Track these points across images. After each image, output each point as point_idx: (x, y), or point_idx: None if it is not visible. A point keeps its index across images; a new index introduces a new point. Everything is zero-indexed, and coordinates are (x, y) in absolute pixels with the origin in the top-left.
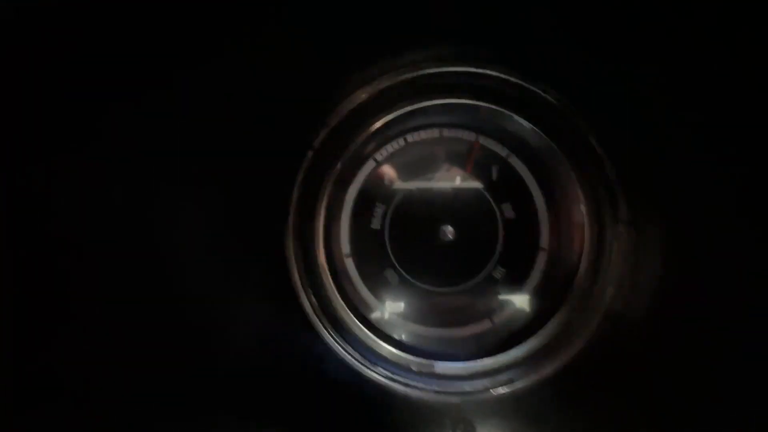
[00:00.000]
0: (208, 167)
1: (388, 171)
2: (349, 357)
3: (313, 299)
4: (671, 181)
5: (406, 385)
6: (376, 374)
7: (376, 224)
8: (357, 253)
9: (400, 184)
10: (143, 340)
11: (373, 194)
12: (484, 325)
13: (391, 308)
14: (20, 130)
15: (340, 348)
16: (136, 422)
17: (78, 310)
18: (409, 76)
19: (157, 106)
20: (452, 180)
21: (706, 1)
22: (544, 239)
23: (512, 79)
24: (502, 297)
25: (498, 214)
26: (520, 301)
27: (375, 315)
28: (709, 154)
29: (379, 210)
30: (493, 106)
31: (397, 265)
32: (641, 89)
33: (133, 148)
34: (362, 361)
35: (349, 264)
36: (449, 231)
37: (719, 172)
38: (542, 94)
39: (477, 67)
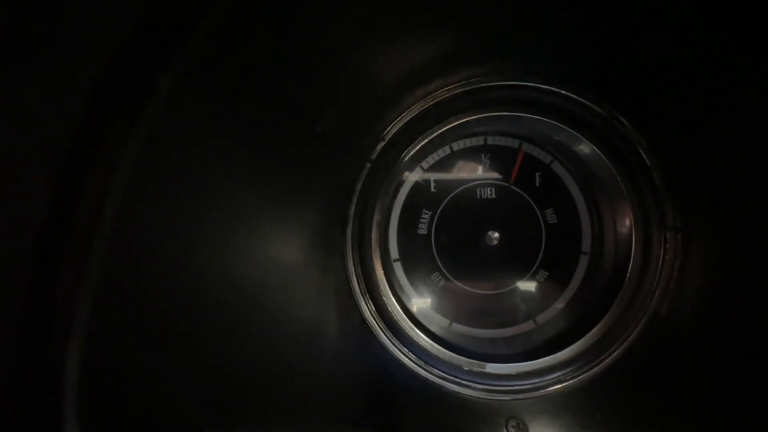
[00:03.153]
0: (275, 184)
1: (434, 178)
2: (405, 358)
3: (371, 304)
4: (717, 188)
5: (459, 384)
6: (430, 374)
7: (422, 230)
8: (405, 258)
9: (445, 191)
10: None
11: (419, 201)
12: (528, 327)
13: (437, 310)
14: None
15: (396, 350)
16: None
17: (167, 322)
18: (460, 90)
19: (228, 130)
20: (496, 186)
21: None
22: (586, 243)
23: (561, 90)
24: (545, 299)
25: (541, 219)
26: (563, 303)
27: (423, 317)
28: (756, 162)
29: (425, 216)
30: (542, 118)
31: (443, 268)
32: (690, 99)
33: (211, 174)
34: (417, 362)
35: (398, 268)
36: (494, 236)
37: (766, 179)
38: (592, 105)
39: (526, 81)
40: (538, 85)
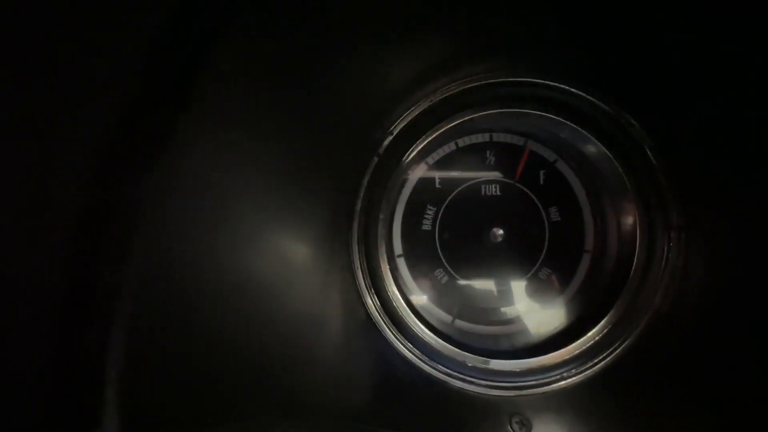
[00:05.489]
0: (281, 179)
1: (439, 174)
2: (410, 353)
3: (376, 299)
4: (722, 188)
5: (463, 380)
6: (434, 370)
7: (427, 226)
8: (409, 254)
9: (450, 187)
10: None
11: (424, 197)
12: (531, 324)
13: (440, 306)
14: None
15: (400, 345)
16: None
17: (173, 318)
18: (468, 86)
19: (237, 121)
20: (501, 183)
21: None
22: (589, 242)
23: (570, 88)
24: (548, 297)
25: (545, 217)
26: (566, 300)
27: (426, 313)
28: (760, 163)
29: (430, 212)
30: (549, 115)
31: (446, 265)
32: (697, 99)
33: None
34: (421, 357)
35: (401, 264)
36: (498, 233)
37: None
38: (599, 103)
39: (535, 77)
40: (547, 82)
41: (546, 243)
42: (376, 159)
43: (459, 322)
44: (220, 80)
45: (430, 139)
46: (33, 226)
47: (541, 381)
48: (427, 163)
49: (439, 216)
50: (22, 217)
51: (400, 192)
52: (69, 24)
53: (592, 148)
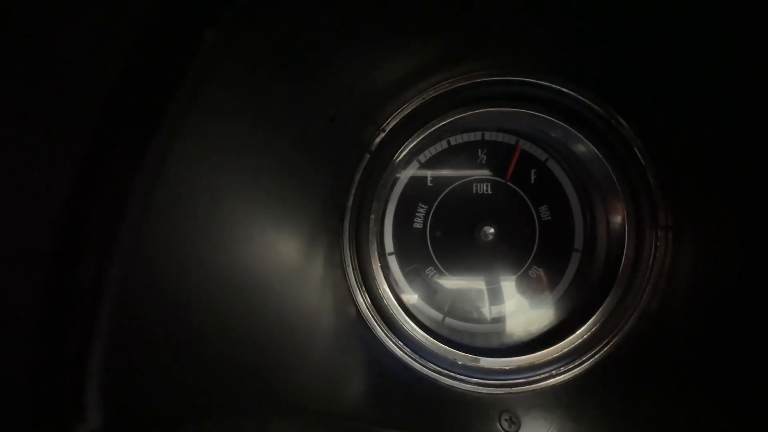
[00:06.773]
0: (273, 174)
1: (431, 172)
2: (400, 351)
3: (367, 297)
4: (710, 188)
5: (453, 378)
6: (425, 368)
7: (418, 224)
8: (400, 252)
9: (441, 185)
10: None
11: (415, 195)
12: (520, 322)
13: (431, 304)
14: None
15: (391, 343)
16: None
17: (168, 315)
18: (461, 84)
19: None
20: (492, 182)
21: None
22: (579, 241)
23: (561, 88)
24: (538, 295)
25: (535, 216)
26: (555, 299)
27: (417, 310)
28: (748, 164)
29: (421, 210)
30: (541, 114)
31: (437, 263)
32: (686, 100)
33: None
34: (412, 355)
35: (392, 262)
36: (489, 231)
37: (756, 181)
38: (590, 103)
39: (526, 77)
40: (539, 81)
41: (536, 241)
42: (368, 156)
43: (449, 320)
44: (212, 74)
45: (422, 137)
46: (16, 219)
47: (531, 379)
48: (418, 161)
49: (431, 214)
50: (3, 210)
51: (391, 190)
52: (56, 11)
53: (583, 147)
